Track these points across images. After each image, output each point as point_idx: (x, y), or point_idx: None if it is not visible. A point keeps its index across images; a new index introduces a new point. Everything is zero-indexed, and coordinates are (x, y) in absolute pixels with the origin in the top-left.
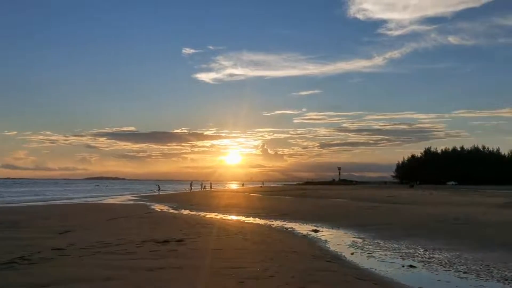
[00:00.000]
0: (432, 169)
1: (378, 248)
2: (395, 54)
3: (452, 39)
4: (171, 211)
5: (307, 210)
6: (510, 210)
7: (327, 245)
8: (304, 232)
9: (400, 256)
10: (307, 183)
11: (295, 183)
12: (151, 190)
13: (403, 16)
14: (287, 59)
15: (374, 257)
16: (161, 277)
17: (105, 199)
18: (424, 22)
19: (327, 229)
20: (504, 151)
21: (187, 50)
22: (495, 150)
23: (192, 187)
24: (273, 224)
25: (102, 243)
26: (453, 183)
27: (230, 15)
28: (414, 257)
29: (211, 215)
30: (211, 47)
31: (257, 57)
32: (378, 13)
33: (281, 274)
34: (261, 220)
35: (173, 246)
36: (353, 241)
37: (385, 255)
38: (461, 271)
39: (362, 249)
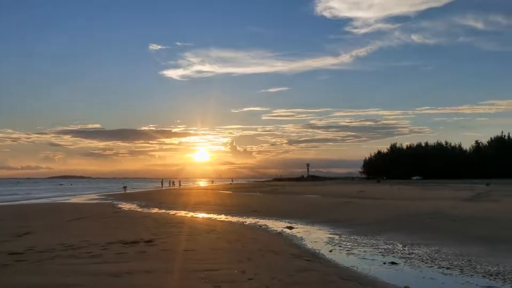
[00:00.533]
0: (398, 165)
1: (356, 244)
2: (361, 51)
3: (415, 38)
4: (139, 210)
5: (279, 207)
6: (478, 203)
7: (304, 242)
8: (279, 229)
9: (380, 252)
10: (276, 179)
11: (264, 179)
12: (119, 188)
13: (369, 14)
14: (255, 56)
15: (354, 254)
16: (129, 282)
17: (69, 199)
18: (389, 20)
19: (301, 226)
20: (465, 146)
21: (154, 46)
22: (457, 146)
23: (164, 185)
24: (245, 222)
25: (64, 245)
26: (417, 178)
27: (198, 11)
28: (394, 253)
29: (181, 213)
30: (178, 44)
31: (225, 53)
32: (344, 12)
33: (260, 276)
34: (233, 217)
35: (142, 247)
36: (329, 237)
37: (365, 251)
38: (444, 267)
39: (340, 246)
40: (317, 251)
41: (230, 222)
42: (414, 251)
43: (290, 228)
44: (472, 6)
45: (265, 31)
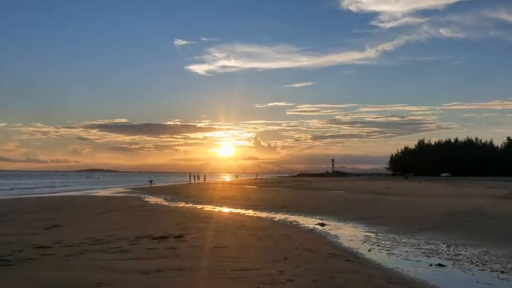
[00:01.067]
0: (426, 161)
1: (396, 243)
2: (387, 46)
3: (443, 32)
4: (166, 203)
5: (308, 203)
6: None
7: (339, 240)
8: (310, 226)
9: (423, 253)
10: (301, 175)
11: (288, 175)
12: (145, 182)
13: (395, 8)
14: (280, 51)
15: (395, 254)
16: (160, 282)
17: (97, 192)
18: (416, 14)
19: (333, 223)
20: (496, 143)
21: (179, 42)
22: (488, 142)
23: (192, 179)
24: (275, 218)
25: (93, 239)
26: (446, 174)
27: (223, 7)
28: (438, 254)
29: (208, 207)
30: (203, 39)
31: (250, 49)
32: (371, 5)
33: (300, 277)
34: (262, 213)
35: (171, 243)
36: (365, 236)
37: (406, 252)
38: (498, 271)
39: (378, 245)
40: (355, 250)
41: (259, 218)
42: (460, 252)
43: (322, 225)
44: None
45: (290, 26)
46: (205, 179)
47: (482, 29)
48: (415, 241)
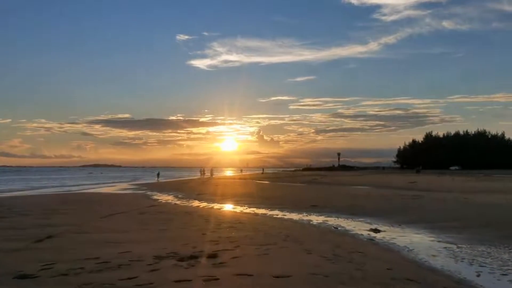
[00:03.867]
0: (434, 154)
1: (501, 262)
2: (390, 39)
3: (446, 24)
4: (178, 202)
5: (337, 200)
6: None
7: (420, 257)
8: (364, 233)
9: None
10: (306, 169)
11: (293, 169)
12: (151, 177)
13: (398, 1)
14: (282, 45)
15: None
16: None
17: (100, 188)
18: (419, 7)
19: (388, 228)
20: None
21: (181, 37)
22: (499, 135)
23: (205, 174)
24: (311, 221)
25: (96, 261)
26: (456, 168)
27: (224, 1)
28: None
29: (228, 207)
30: (205, 33)
31: (252, 43)
32: None
33: None
34: (291, 214)
35: (207, 269)
36: (445, 248)
37: None
38: None
39: (481, 265)
40: (457, 274)
41: (294, 221)
42: None
43: (376, 231)
44: None
45: (291, 19)
46: (212, 174)
47: (485, 21)
48: None
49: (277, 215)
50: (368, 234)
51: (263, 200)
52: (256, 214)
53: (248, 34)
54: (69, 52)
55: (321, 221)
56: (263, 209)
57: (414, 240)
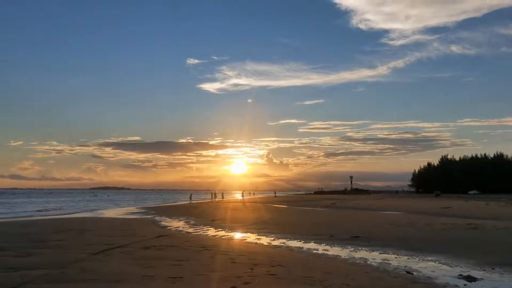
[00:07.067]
0: (450, 178)
1: None
2: (398, 63)
3: (454, 48)
4: (191, 231)
5: (380, 230)
6: None
7: None
8: (451, 282)
9: None
10: (318, 192)
11: (303, 192)
12: (160, 200)
13: (405, 26)
14: (290, 69)
15: None
16: None
17: (102, 213)
18: (426, 32)
19: (480, 273)
20: None
21: (191, 61)
22: None
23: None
24: (367, 259)
25: None
26: (475, 192)
27: (234, 26)
28: None
29: (252, 238)
30: (215, 57)
31: (261, 67)
32: (380, 23)
33: None
34: (335, 248)
35: None
36: None
37: None
38: None
39: None
40: None
41: (349, 263)
42: None
43: (470, 278)
44: None
45: (300, 44)
46: (222, 197)
47: (494, 45)
48: None
49: (317, 250)
50: (465, 285)
51: (290, 229)
52: (290, 249)
53: (257, 58)
54: (80, 77)
55: (379, 260)
56: (296, 241)
57: None
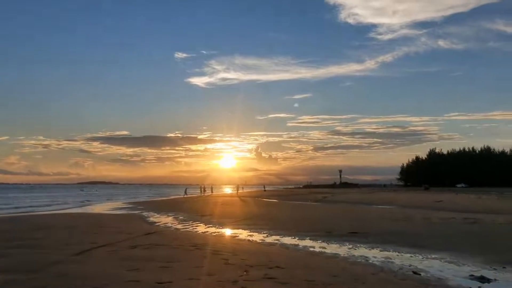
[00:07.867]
0: (438, 171)
1: None
2: (386, 58)
3: (442, 43)
4: (181, 227)
5: (376, 225)
6: None
7: None
8: (464, 284)
9: None
10: (307, 186)
11: (292, 186)
12: (147, 195)
13: (393, 20)
14: (279, 63)
15: None
16: None
17: (90, 208)
18: (414, 26)
19: (491, 272)
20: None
21: (180, 55)
22: (508, 151)
23: (206, 191)
24: (368, 257)
25: None
26: (462, 185)
27: (222, 20)
28: None
29: (244, 235)
30: (203, 52)
31: (250, 61)
32: (368, 18)
33: None
34: (332, 245)
35: None
36: None
37: None
38: None
39: None
40: None
41: (349, 262)
42: None
43: (483, 279)
44: (501, 10)
45: (288, 38)
46: (212, 191)
47: (481, 40)
48: None
49: (314, 247)
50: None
51: (283, 225)
52: (286, 247)
53: (246, 52)
54: (67, 70)
55: (382, 259)
56: (290, 238)
57: None
